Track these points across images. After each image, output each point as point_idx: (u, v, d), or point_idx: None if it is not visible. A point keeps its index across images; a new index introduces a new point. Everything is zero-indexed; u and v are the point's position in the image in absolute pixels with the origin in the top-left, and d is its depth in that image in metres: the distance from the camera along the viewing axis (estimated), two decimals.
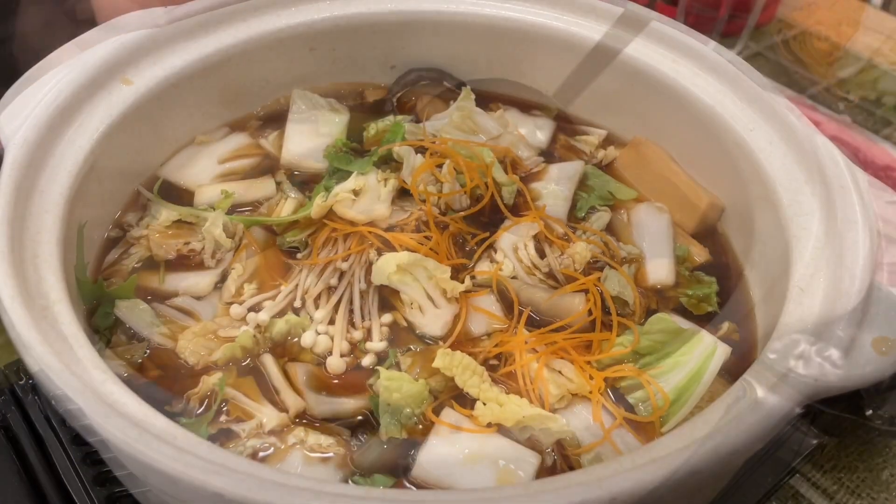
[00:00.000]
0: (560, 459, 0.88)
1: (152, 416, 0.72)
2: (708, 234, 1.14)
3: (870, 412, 1.25)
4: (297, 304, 1.01)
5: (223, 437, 0.88)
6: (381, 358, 0.96)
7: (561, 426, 0.86)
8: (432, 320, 0.98)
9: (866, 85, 2.03)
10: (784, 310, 0.84)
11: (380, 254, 1.03)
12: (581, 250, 1.05)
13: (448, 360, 0.90)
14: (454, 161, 1.10)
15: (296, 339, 0.97)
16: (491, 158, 1.11)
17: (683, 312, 1.04)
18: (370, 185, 1.10)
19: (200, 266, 1.04)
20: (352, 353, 0.97)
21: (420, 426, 0.88)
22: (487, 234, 1.08)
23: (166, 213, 1.07)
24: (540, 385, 0.91)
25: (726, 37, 2.00)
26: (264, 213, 1.12)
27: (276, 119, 1.26)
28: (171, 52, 1.10)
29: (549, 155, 1.23)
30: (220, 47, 1.14)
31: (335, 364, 0.95)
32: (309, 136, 1.21)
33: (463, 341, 0.98)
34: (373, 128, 1.24)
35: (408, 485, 0.85)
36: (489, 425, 0.87)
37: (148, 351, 0.95)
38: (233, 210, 1.11)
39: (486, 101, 1.30)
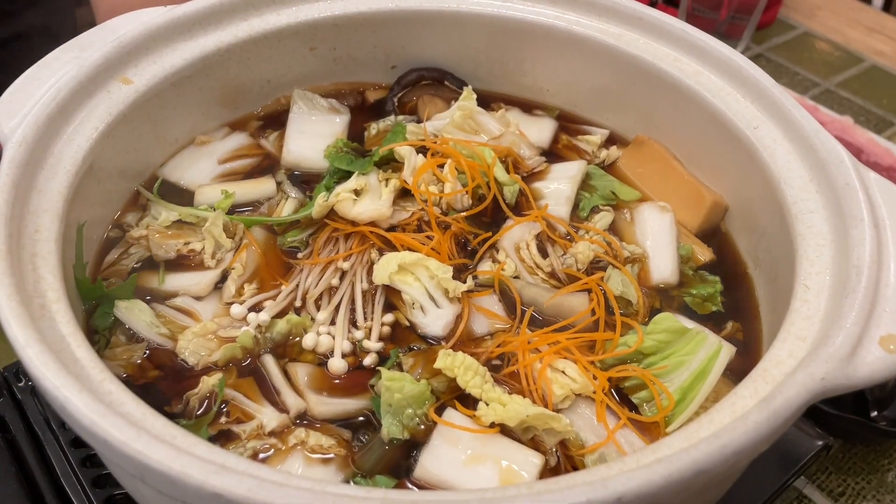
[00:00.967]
0: (564, 460, 0.87)
1: (151, 416, 0.71)
2: (712, 233, 1.13)
3: (875, 413, 1.25)
4: (298, 303, 1.00)
5: (223, 439, 0.87)
6: (382, 358, 0.96)
7: (564, 426, 0.85)
8: (434, 320, 0.98)
9: (868, 86, 2.03)
10: (790, 308, 0.83)
11: (381, 254, 1.03)
12: (584, 250, 1.04)
13: (450, 361, 0.89)
14: (455, 161, 1.10)
15: (297, 339, 0.96)
16: (492, 158, 1.11)
17: (687, 312, 1.03)
18: (371, 185, 1.09)
19: (200, 266, 1.03)
20: (353, 353, 0.96)
21: (422, 427, 0.87)
22: (489, 233, 1.07)
23: (166, 214, 1.07)
24: (543, 385, 0.90)
25: (728, 38, 2.00)
26: (265, 213, 1.11)
27: (276, 119, 1.25)
28: (170, 52, 1.09)
29: (551, 155, 1.23)
30: (220, 47, 1.13)
31: (336, 365, 0.94)
32: (310, 136, 1.20)
33: (465, 341, 0.97)
34: (374, 128, 1.23)
35: (410, 486, 0.84)
36: (492, 425, 0.86)
37: (147, 351, 0.94)
38: (233, 210, 1.10)
39: (488, 100, 1.29)
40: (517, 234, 1.07)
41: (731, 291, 1.05)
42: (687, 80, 1.10)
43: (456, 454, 0.84)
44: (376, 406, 0.89)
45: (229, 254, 1.04)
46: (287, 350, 0.96)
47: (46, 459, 1.05)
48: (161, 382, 0.92)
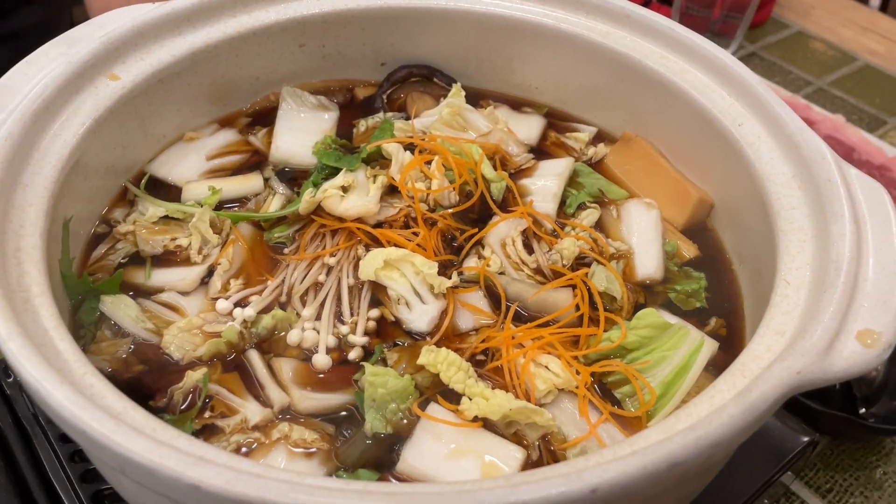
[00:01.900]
0: (546, 454, 0.87)
1: (132, 409, 0.71)
2: (697, 229, 1.13)
3: (863, 410, 1.25)
4: (284, 299, 1.00)
5: (208, 433, 0.88)
6: (367, 353, 0.96)
7: (547, 420, 0.86)
8: (419, 316, 0.98)
9: (861, 85, 2.03)
10: (770, 303, 0.83)
11: (368, 250, 1.03)
12: (569, 246, 1.04)
13: (432, 357, 0.89)
14: (443, 158, 1.10)
15: (282, 334, 0.97)
16: (480, 155, 1.11)
17: (672, 308, 1.03)
18: (359, 181, 1.09)
19: (187, 262, 1.03)
20: (338, 347, 0.96)
21: (405, 421, 0.88)
22: (476, 230, 1.08)
23: (153, 209, 1.07)
24: (526, 380, 0.90)
25: (721, 37, 2.00)
26: (252, 209, 1.11)
27: (265, 116, 1.25)
28: (159, 48, 1.09)
29: (539, 152, 1.23)
30: (208, 43, 1.13)
31: (321, 360, 0.94)
32: (298, 132, 1.21)
33: (450, 337, 0.97)
34: (362, 125, 1.24)
35: (392, 480, 0.84)
36: (475, 419, 0.86)
37: (132, 346, 0.94)
38: (220, 206, 1.10)
39: (477, 97, 1.29)
40: (503, 231, 1.07)
41: (715, 287, 1.06)
42: (673, 78, 1.11)
43: (438, 448, 0.84)
44: (360, 401, 0.89)
45: (216, 249, 1.05)
46: (272, 345, 0.96)
47: (35, 454, 1.05)
48: (146, 377, 0.92)
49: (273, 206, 1.11)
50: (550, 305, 0.99)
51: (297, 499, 0.62)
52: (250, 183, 1.14)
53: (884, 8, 2.74)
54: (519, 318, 1.00)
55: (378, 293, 1.02)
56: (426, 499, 0.64)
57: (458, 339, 0.98)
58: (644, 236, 1.09)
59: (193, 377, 0.90)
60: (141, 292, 1.00)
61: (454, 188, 1.09)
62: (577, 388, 0.90)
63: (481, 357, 0.96)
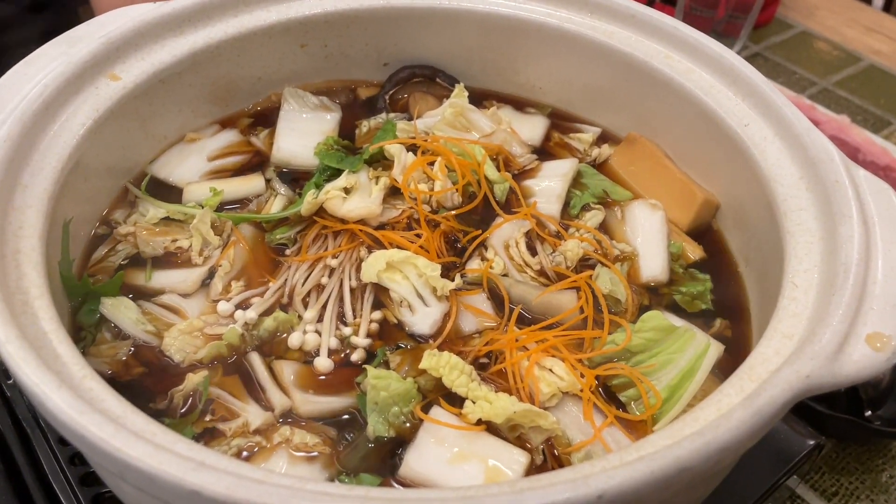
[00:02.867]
0: (550, 458, 0.86)
1: (131, 412, 0.70)
2: (703, 231, 1.12)
3: (869, 413, 1.24)
4: (285, 301, 1.00)
5: (208, 437, 0.87)
6: (370, 355, 0.95)
7: (551, 423, 0.85)
8: (422, 318, 0.97)
9: (866, 85, 2.02)
10: (777, 306, 0.82)
11: (370, 252, 1.02)
12: (573, 248, 1.03)
13: (434, 361, 0.88)
14: (446, 159, 1.09)
15: (283, 337, 0.96)
16: (483, 156, 1.10)
17: (677, 310, 1.02)
18: (361, 182, 1.08)
19: (188, 263, 1.03)
20: (340, 349, 0.96)
21: (408, 425, 0.87)
22: (479, 231, 1.07)
23: (154, 211, 1.06)
24: (530, 383, 0.89)
25: (725, 37, 2.00)
26: (254, 211, 1.10)
27: (267, 117, 1.25)
28: (160, 48, 1.09)
29: (542, 152, 1.22)
30: (209, 43, 1.12)
31: (323, 363, 0.93)
32: (300, 133, 1.20)
33: (453, 339, 0.97)
34: (365, 125, 1.23)
35: (395, 484, 0.84)
36: (479, 423, 0.85)
37: (132, 348, 0.94)
38: (222, 207, 1.10)
39: (480, 98, 1.29)
40: (506, 232, 1.06)
41: (721, 289, 1.05)
42: (678, 78, 1.10)
43: (441, 452, 0.83)
44: (362, 404, 0.89)
45: (217, 251, 1.04)
46: (273, 348, 0.96)
47: (34, 457, 1.05)
48: (146, 379, 0.91)
49: (275, 207, 1.10)
50: (554, 308, 0.98)
51: None
52: (252, 184, 1.13)
53: (887, 8, 2.72)
54: (522, 321, 0.99)
55: (381, 295, 1.01)
56: None
57: (462, 341, 0.97)
58: (649, 238, 1.08)
59: (194, 380, 0.89)
60: (141, 294, 1.00)
61: (457, 189, 1.08)
62: (581, 391, 0.89)
63: (485, 360, 0.95)
